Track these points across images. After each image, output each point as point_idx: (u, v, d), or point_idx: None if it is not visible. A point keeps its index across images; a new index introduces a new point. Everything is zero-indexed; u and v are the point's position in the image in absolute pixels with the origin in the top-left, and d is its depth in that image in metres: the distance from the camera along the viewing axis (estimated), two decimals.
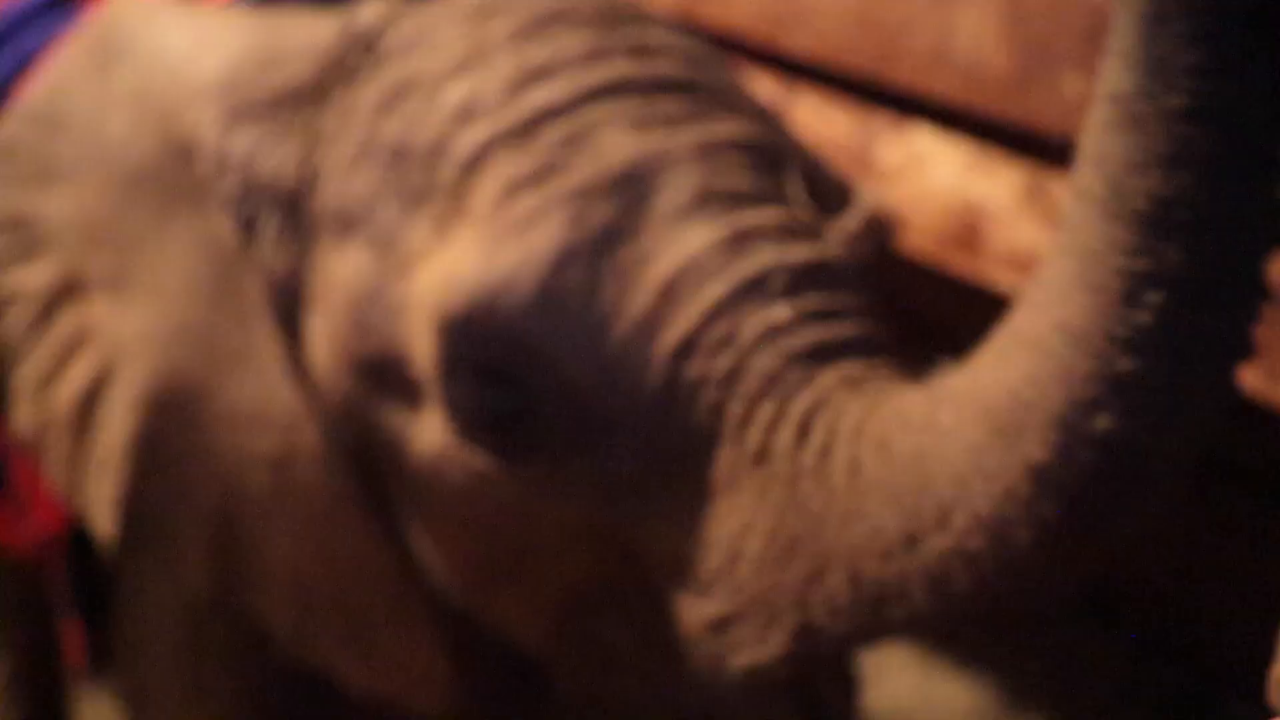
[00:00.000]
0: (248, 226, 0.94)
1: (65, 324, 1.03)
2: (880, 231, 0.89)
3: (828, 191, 0.90)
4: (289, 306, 0.93)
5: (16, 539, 1.22)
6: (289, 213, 0.92)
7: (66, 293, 1.03)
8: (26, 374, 1.02)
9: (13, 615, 1.62)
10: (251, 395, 0.95)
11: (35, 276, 1.04)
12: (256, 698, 1.12)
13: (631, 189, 0.82)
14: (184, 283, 0.98)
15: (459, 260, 0.82)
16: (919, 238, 1.24)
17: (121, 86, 1.05)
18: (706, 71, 0.92)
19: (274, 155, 0.93)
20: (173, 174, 0.99)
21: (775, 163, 0.86)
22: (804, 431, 0.76)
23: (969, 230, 1.20)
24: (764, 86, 1.36)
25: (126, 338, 0.99)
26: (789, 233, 0.82)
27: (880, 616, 0.73)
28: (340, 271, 0.89)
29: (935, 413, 0.71)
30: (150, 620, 1.12)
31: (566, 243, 0.80)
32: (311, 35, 0.96)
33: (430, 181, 0.85)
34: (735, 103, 0.91)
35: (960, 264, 1.20)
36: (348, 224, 0.89)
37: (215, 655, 1.10)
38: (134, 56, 1.06)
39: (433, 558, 0.93)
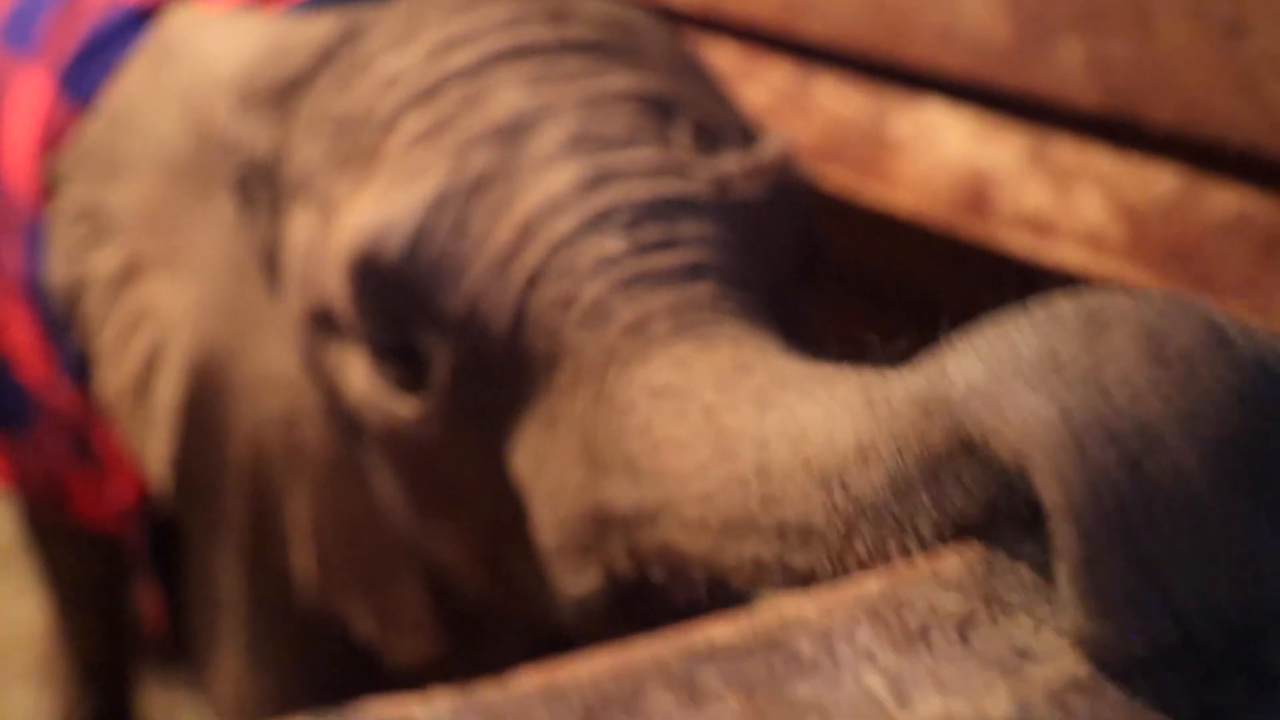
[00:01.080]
0: (245, 202, 1.02)
1: (129, 302, 1.13)
2: (780, 172, 0.90)
3: (729, 139, 0.92)
4: (272, 271, 1.01)
5: (99, 510, 1.31)
6: (268, 187, 1.00)
7: (130, 274, 1.13)
8: (101, 348, 1.12)
9: (90, 596, 1.70)
10: (265, 360, 1.04)
11: (106, 260, 1.14)
12: (312, 668, 1.18)
13: (511, 137, 0.86)
14: (216, 259, 1.08)
15: (362, 210, 0.88)
16: (931, 205, 1.30)
17: (170, 86, 1.15)
18: (623, 34, 0.96)
19: (264, 137, 1.00)
20: (206, 162, 1.08)
21: (665, 111, 0.89)
22: (606, 363, 0.76)
23: (978, 196, 1.26)
24: (783, 72, 1.43)
25: (176, 311, 1.09)
26: (652, 172, 0.84)
27: (658, 573, 0.71)
28: (295, 235, 0.97)
29: (706, 391, 0.67)
30: (209, 582, 1.20)
31: (443, 187, 0.85)
32: (314, 29, 1.04)
33: (356, 144, 0.92)
34: (641, 60, 0.94)
35: (971, 228, 1.26)
36: (301, 191, 0.96)
37: (268, 619, 1.17)
38: (180, 59, 1.16)
39: (385, 502, 0.99)
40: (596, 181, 0.83)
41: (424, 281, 0.85)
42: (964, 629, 0.37)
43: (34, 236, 1.34)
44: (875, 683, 0.35)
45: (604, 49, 0.93)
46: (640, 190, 0.83)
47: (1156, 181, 1.14)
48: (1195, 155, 1.10)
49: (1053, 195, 1.22)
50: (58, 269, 1.22)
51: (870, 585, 0.38)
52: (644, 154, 0.86)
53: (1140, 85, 1.10)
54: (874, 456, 0.39)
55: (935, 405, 0.37)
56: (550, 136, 0.85)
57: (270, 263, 1.01)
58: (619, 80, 0.90)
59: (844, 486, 0.40)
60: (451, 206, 0.85)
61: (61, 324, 1.24)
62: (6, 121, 1.39)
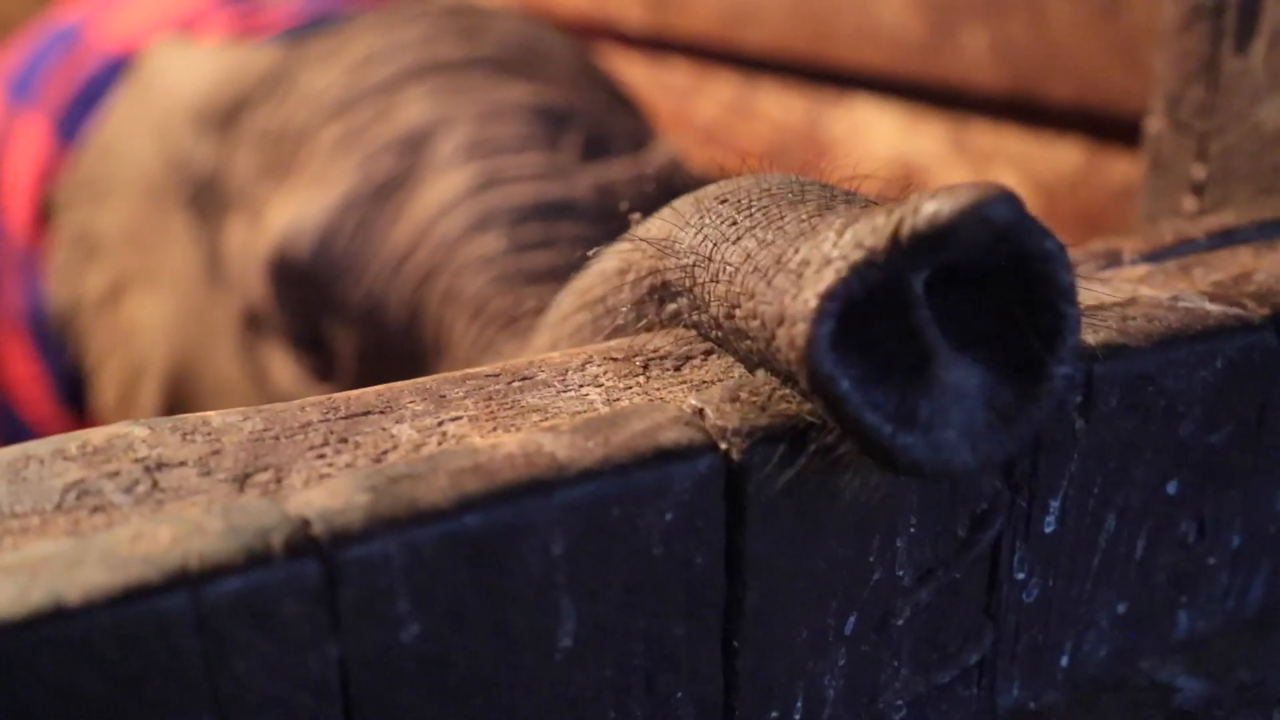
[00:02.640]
0: (198, 216, 1.12)
1: (115, 319, 1.22)
2: (667, 176, 0.98)
3: (618, 147, 1.00)
4: (216, 278, 1.11)
5: None
6: (213, 199, 1.09)
7: (116, 292, 1.22)
8: (92, 365, 1.21)
9: None
10: (220, 366, 1.13)
11: (95, 280, 1.24)
12: None
13: (413, 146, 0.94)
14: (181, 273, 1.17)
15: (279, 213, 0.97)
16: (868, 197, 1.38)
17: (146, 115, 1.26)
18: (527, 51, 1.05)
19: (210, 155, 1.11)
20: (168, 180, 1.18)
21: (557, 121, 0.97)
22: (482, 354, 0.83)
23: (908, 184, 1.34)
24: (729, 84, 1.52)
25: (155, 325, 1.18)
26: (537, 177, 0.92)
27: None
28: (230, 242, 1.06)
29: None
30: None
31: (350, 192, 0.94)
32: (265, 54, 1.15)
33: (280, 154, 1.01)
34: (542, 74, 1.02)
35: None
36: (237, 200, 1.05)
37: None
38: (154, 89, 1.27)
39: None
40: (484, 185, 0.91)
41: (331, 278, 0.93)
42: (679, 364, 0.45)
43: (32, 273, 1.44)
44: (594, 395, 0.43)
45: (507, 64, 1.02)
46: (524, 193, 0.90)
47: (1062, 157, 1.21)
48: (1093, 128, 1.18)
49: (974, 176, 1.29)
50: (56, 292, 1.32)
51: (611, 343, 0.46)
52: (531, 159, 0.93)
53: (1038, 66, 1.19)
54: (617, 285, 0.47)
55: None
56: (447, 144, 0.93)
57: (213, 272, 1.11)
58: (516, 92, 0.98)
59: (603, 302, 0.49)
60: (356, 210, 0.93)
61: (59, 353, 1.34)
62: (7, 167, 1.51)
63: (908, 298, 0.34)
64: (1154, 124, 0.70)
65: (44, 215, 1.45)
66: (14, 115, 1.55)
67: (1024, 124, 1.24)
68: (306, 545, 0.34)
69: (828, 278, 0.34)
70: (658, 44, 1.56)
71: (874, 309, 0.35)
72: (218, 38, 1.38)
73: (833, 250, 0.34)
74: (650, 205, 1.06)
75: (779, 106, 1.47)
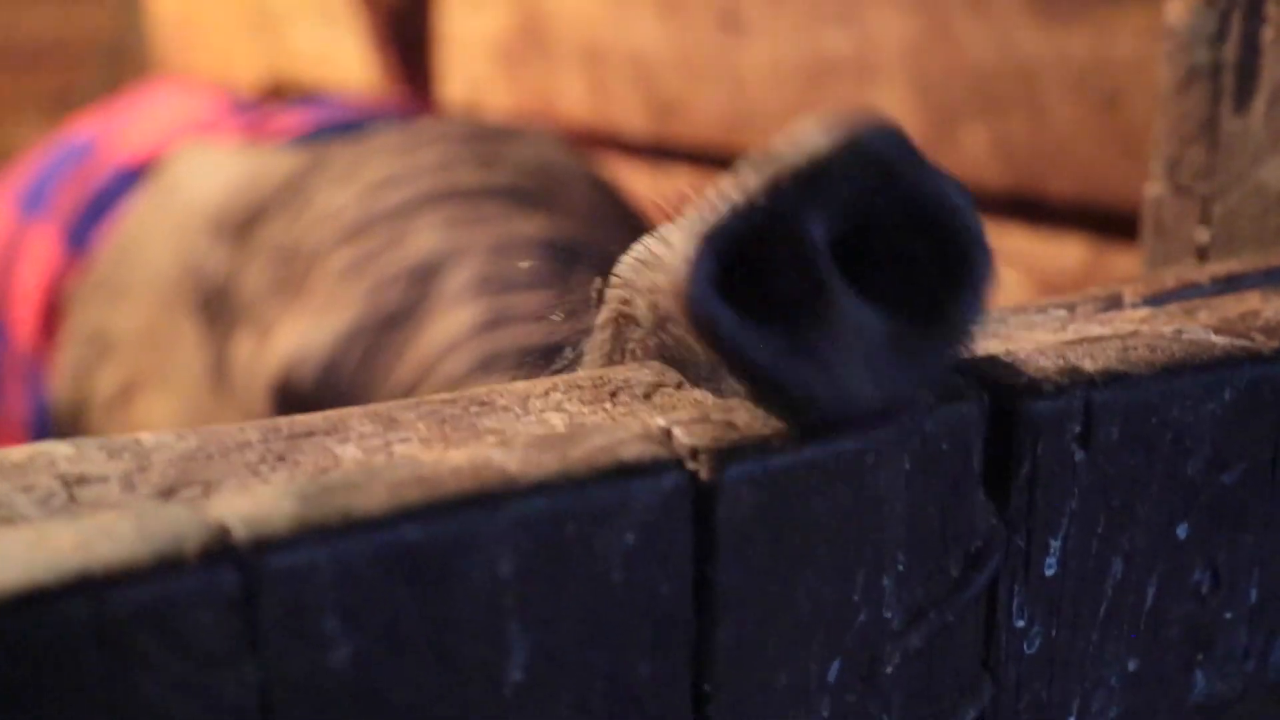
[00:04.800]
0: (207, 322, 1.11)
1: (124, 420, 1.21)
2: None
3: None
4: (220, 386, 1.09)
5: None
6: (224, 308, 1.09)
7: (127, 393, 1.21)
8: None
9: None
10: None
11: (107, 380, 1.23)
12: None
13: (423, 277, 0.93)
14: (190, 378, 1.16)
15: (286, 336, 0.96)
16: None
17: (164, 217, 1.26)
18: (545, 180, 1.04)
19: (223, 263, 1.10)
20: (182, 284, 1.18)
21: (569, 256, 0.96)
22: None
23: None
24: None
25: (162, 427, 1.17)
26: (547, 316, 0.94)
27: None
28: (238, 355, 1.05)
29: None
30: None
31: (356, 321, 0.92)
32: (283, 161, 1.15)
33: (291, 272, 1.00)
34: (558, 206, 1.02)
35: None
36: (248, 315, 1.05)
37: None
38: (174, 192, 1.27)
39: None
40: (491, 324, 0.90)
41: (334, 407, 0.93)
42: (649, 393, 0.42)
43: (37, 381, 1.44)
44: (556, 420, 0.40)
45: (524, 194, 1.01)
46: (531, 334, 0.90)
47: (1065, 254, 1.20)
48: (1096, 224, 1.17)
49: None
50: (62, 390, 1.31)
51: (579, 373, 0.43)
52: (540, 298, 0.92)
53: (1039, 163, 1.18)
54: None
55: None
56: (456, 278, 0.92)
57: (218, 380, 1.10)
58: (530, 225, 0.98)
59: None
60: (361, 340, 0.92)
61: None
62: (17, 277, 1.51)
63: (802, 246, 0.33)
64: (1153, 188, 0.68)
65: (51, 322, 1.45)
66: (25, 227, 1.56)
67: (1026, 221, 1.22)
68: (224, 552, 0.31)
69: (701, 222, 0.33)
70: (659, 151, 1.56)
71: (772, 266, 0.34)
72: (231, 143, 1.39)
73: (708, 202, 0.34)
74: None
75: None
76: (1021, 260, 1.23)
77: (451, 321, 0.90)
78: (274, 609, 0.31)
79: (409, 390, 0.89)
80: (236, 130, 1.51)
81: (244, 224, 1.12)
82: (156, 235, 1.27)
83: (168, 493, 0.34)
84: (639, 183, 1.60)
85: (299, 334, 0.95)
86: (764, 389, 0.34)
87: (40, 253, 1.51)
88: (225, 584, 0.31)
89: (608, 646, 0.36)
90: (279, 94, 2.07)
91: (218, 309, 1.10)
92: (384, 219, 0.99)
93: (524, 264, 0.94)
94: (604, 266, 0.96)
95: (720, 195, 0.34)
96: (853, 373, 0.33)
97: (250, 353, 1.03)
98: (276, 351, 0.97)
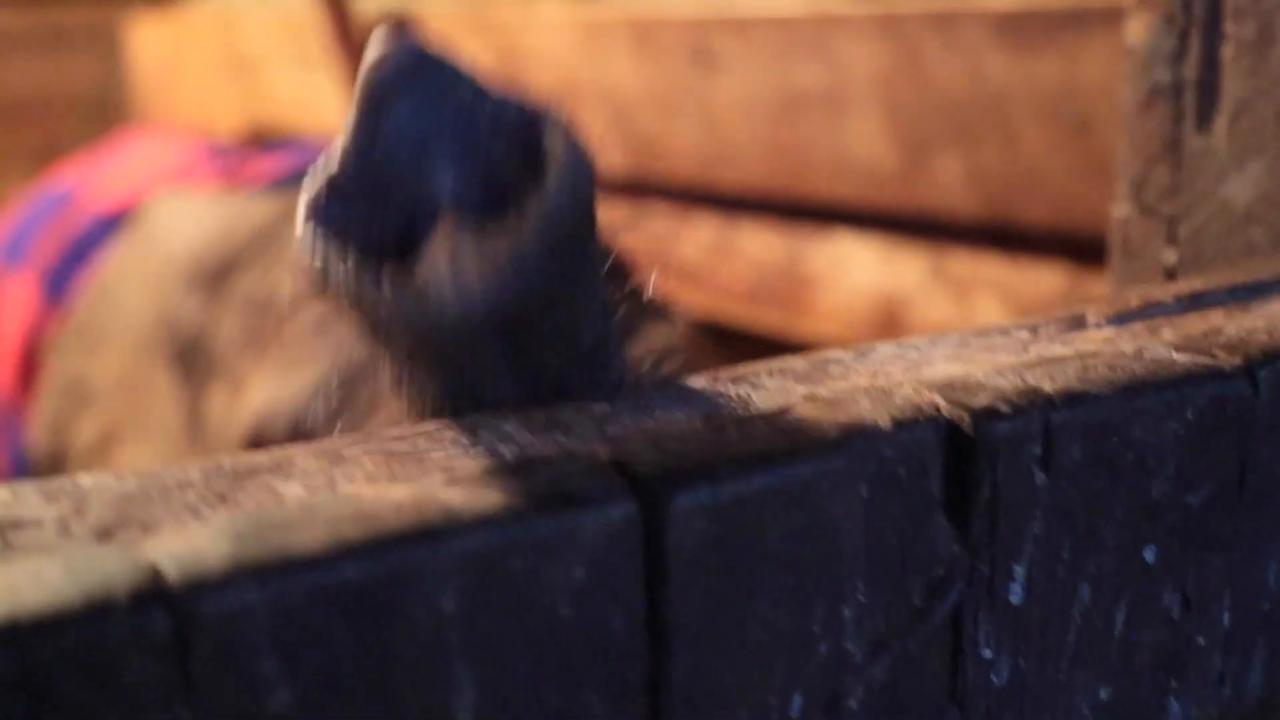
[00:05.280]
0: (183, 375, 1.10)
1: (104, 468, 1.20)
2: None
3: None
4: (195, 440, 1.09)
5: None
6: (198, 360, 1.09)
7: (106, 442, 1.21)
8: None
9: None
10: None
11: (84, 429, 1.23)
12: None
13: None
14: (169, 428, 1.15)
15: (254, 394, 0.96)
16: (849, 331, 1.36)
17: (140, 266, 1.25)
18: None
19: (199, 315, 1.10)
20: (158, 334, 1.17)
21: None
22: None
23: (890, 317, 1.32)
24: (709, 226, 1.52)
25: None
26: None
27: None
28: (212, 409, 1.05)
29: None
30: None
31: (322, 380, 0.93)
32: (258, 210, 1.15)
33: (263, 326, 1.01)
34: None
35: None
36: (221, 368, 1.05)
37: None
38: (149, 241, 1.27)
39: None
40: None
41: None
42: (602, 424, 0.41)
43: (14, 429, 1.43)
44: (506, 452, 0.39)
45: None
46: None
47: (1043, 280, 1.19)
48: (1073, 250, 1.17)
49: (955, 305, 1.28)
50: (41, 439, 1.30)
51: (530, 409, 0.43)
52: None
53: (1013, 190, 1.18)
54: None
55: None
56: None
57: (193, 433, 1.09)
58: None
59: None
60: (330, 395, 0.92)
61: None
62: None
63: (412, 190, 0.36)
64: (1120, 209, 0.68)
65: (29, 371, 1.44)
66: (4, 276, 1.56)
67: (1002, 249, 1.22)
68: (155, 594, 0.30)
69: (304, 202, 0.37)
70: (637, 188, 1.56)
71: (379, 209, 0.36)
72: (209, 189, 1.38)
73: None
74: None
75: (759, 244, 1.46)
76: (999, 288, 1.23)
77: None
78: (207, 652, 0.30)
79: None
80: (214, 176, 1.51)
81: (217, 274, 1.11)
82: (133, 284, 1.27)
83: (103, 535, 0.34)
84: (617, 219, 1.60)
85: (269, 389, 0.96)
86: (359, 314, 0.36)
87: (19, 301, 1.50)
88: (156, 628, 0.30)
89: (559, 684, 0.35)
90: (258, 139, 2.07)
91: (192, 360, 1.10)
92: None
93: None
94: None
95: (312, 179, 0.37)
96: (436, 285, 0.34)
97: (223, 406, 1.03)
98: (248, 407, 0.97)
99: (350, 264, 0.35)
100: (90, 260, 1.47)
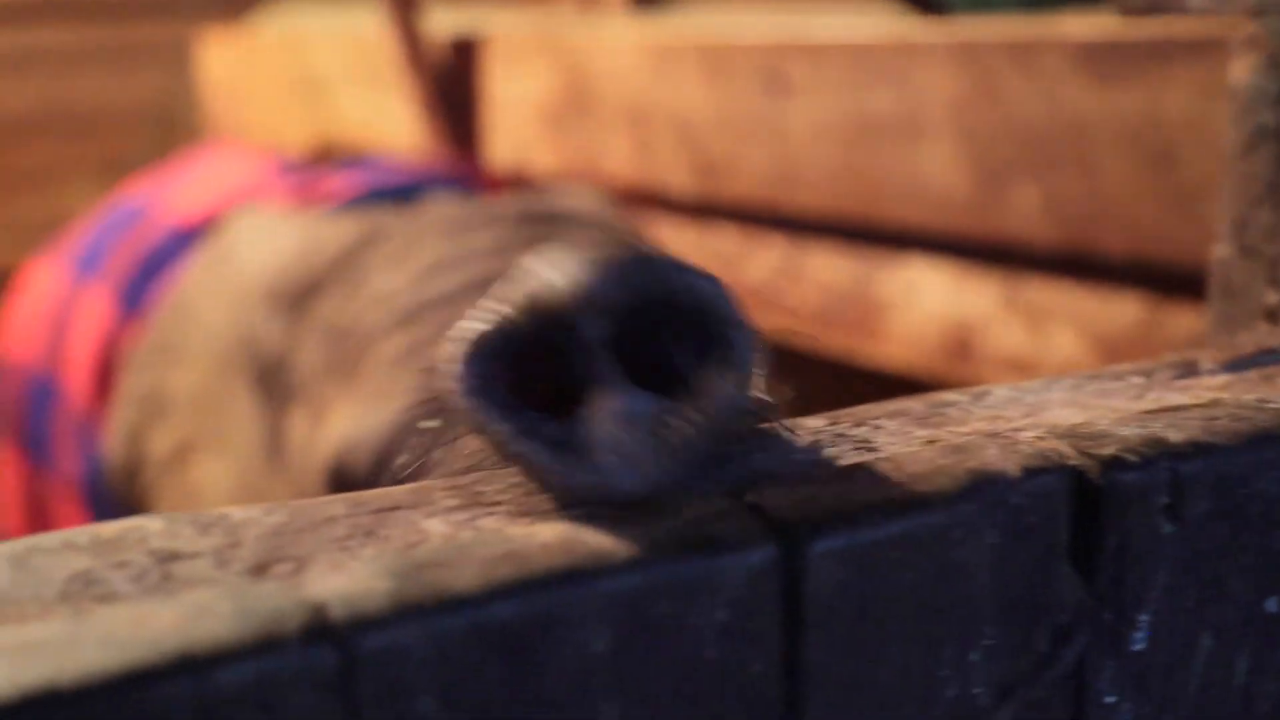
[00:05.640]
0: (264, 396, 1.11)
1: (179, 483, 1.22)
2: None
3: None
4: (274, 460, 1.10)
5: None
6: (279, 383, 1.09)
7: (182, 455, 1.22)
8: None
9: None
10: None
11: (161, 440, 1.24)
12: None
13: None
14: (245, 447, 1.16)
15: (339, 422, 0.96)
16: (920, 357, 1.36)
17: (218, 282, 1.27)
18: None
19: (277, 336, 1.10)
20: (238, 353, 1.19)
21: None
22: None
23: (961, 344, 1.32)
24: (778, 248, 1.52)
25: (220, 492, 1.17)
26: None
27: None
28: (293, 433, 1.05)
29: None
30: None
31: (407, 414, 0.94)
32: (339, 232, 1.15)
33: (345, 355, 1.00)
34: None
35: (958, 374, 1.31)
36: (302, 393, 1.05)
37: None
38: (229, 258, 1.29)
39: None
40: None
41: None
42: (723, 463, 0.42)
43: (90, 440, 1.45)
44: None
45: None
46: None
47: (1120, 310, 1.19)
48: (1152, 282, 1.16)
49: (1029, 334, 1.27)
50: (117, 448, 1.32)
51: None
52: None
53: (1091, 220, 1.17)
54: None
55: None
56: None
57: (273, 454, 1.10)
58: None
59: None
60: (409, 435, 0.94)
61: (111, 516, 1.33)
62: (71, 338, 1.53)
63: (570, 345, 0.35)
64: (1220, 250, 0.67)
65: (105, 382, 1.46)
66: (79, 289, 1.58)
67: (1079, 279, 1.22)
68: (323, 631, 0.31)
69: (470, 333, 0.37)
70: (705, 210, 1.57)
71: (548, 362, 0.36)
72: (283, 206, 1.40)
73: (480, 312, 0.37)
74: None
75: (828, 268, 1.46)
76: (1074, 318, 1.23)
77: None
78: (371, 689, 0.31)
79: None
80: (286, 193, 1.53)
81: (298, 298, 1.12)
82: (212, 299, 1.28)
83: (259, 569, 0.35)
84: (684, 241, 1.61)
85: (352, 420, 0.95)
86: (538, 481, 0.37)
87: (94, 314, 1.53)
88: (324, 664, 0.31)
89: None
90: (328, 157, 2.10)
91: (273, 383, 1.11)
92: (436, 305, 0.99)
93: None
94: None
95: (486, 309, 0.37)
96: (614, 461, 0.35)
97: (304, 433, 1.04)
98: (330, 437, 0.97)
99: (512, 424, 0.35)
100: (165, 274, 1.49)
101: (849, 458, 0.41)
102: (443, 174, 1.59)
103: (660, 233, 1.60)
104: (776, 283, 1.52)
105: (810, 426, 0.44)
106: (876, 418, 0.45)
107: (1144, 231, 1.14)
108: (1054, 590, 0.40)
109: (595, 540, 0.34)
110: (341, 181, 1.54)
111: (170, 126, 3.03)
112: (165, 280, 1.45)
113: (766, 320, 1.30)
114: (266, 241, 1.25)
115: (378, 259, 1.07)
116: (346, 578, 0.32)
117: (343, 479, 0.94)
